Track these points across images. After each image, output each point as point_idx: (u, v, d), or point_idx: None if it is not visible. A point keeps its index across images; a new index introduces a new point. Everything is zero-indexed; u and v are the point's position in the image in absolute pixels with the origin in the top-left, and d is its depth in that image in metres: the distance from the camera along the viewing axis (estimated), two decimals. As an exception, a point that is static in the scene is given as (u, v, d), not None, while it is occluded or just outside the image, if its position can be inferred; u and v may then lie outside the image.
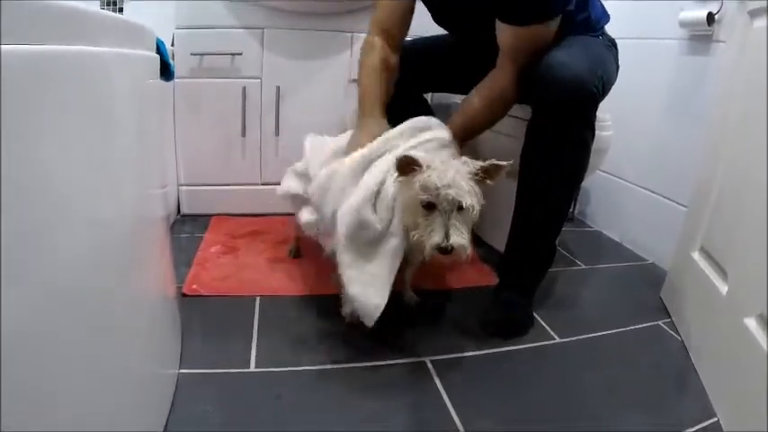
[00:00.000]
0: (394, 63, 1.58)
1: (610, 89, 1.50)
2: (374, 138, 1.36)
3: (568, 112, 1.30)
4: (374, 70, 1.52)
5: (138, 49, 0.96)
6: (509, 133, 1.64)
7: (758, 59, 1.24)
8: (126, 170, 0.86)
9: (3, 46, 0.48)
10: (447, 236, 1.09)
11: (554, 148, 1.34)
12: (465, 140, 1.45)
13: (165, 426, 1.00)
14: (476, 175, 1.16)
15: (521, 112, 1.58)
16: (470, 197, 1.11)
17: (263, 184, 2.20)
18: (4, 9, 0.48)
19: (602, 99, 1.38)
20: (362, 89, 1.52)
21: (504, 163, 1.17)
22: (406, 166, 1.16)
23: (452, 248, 1.09)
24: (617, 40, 1.60)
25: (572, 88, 1.28)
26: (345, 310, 1.35)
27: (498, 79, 1.44)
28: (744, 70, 1.35)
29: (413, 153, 1.17)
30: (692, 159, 1.74)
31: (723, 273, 1.30)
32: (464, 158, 1.20)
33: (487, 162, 1.17)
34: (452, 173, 1.12)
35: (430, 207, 1.12)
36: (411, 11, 1.59)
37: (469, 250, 1.12)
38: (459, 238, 1.10)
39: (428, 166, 1.14)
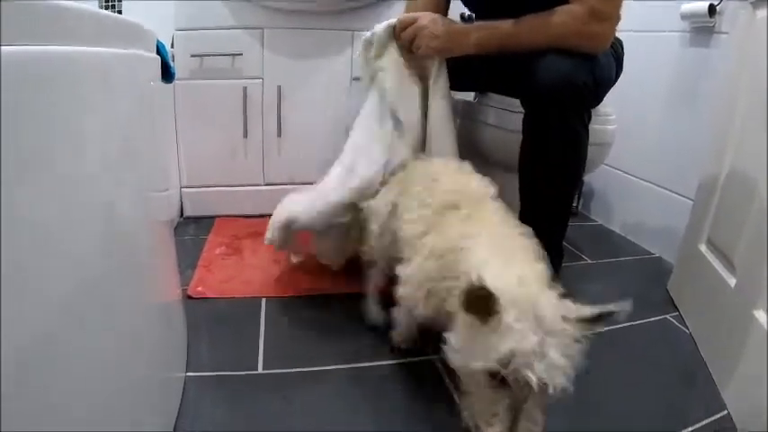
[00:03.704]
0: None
1: (608, 85, 1.49)
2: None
3: (556, 108, 1.29)
4: None
5: (138, 49, 0.96)
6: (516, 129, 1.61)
7: (762, 50, 1.23)
8: (127, 172, 0.85)
9: (3, 47, 0.47)
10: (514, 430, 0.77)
11: (546, 145, 1.34)
12: (477, 49, 1.39)
13: (174, 429, 1.00)
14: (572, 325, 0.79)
15: (517, 105, 1.57)
16: (563, 376, 0.75)
17: (266, 185, 2.19)
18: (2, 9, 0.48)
19: (598, 95, 1.37)
20: None
21: (616, 308, 0.80)
22: (478, 301, 0.78)
23: None
24: (618, 34, 1.59)
25: (559, 85, 1.27)
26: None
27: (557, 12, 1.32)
28: (748, 61, 1.34)
29: (489, 278, 0.77)
30: (697, 152, 1.74)
31: (731, 265, 1.29)
32: (558, 298, 0.84)
33: (595, 310, 0.81)
34: (541, 336, 0.75)
35: (497, 376, 0.76)
36: None
37: None
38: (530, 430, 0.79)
39: (504, 308, 0.76)
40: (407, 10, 1.59)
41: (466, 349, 0.82)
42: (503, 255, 0.89)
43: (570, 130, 1.32)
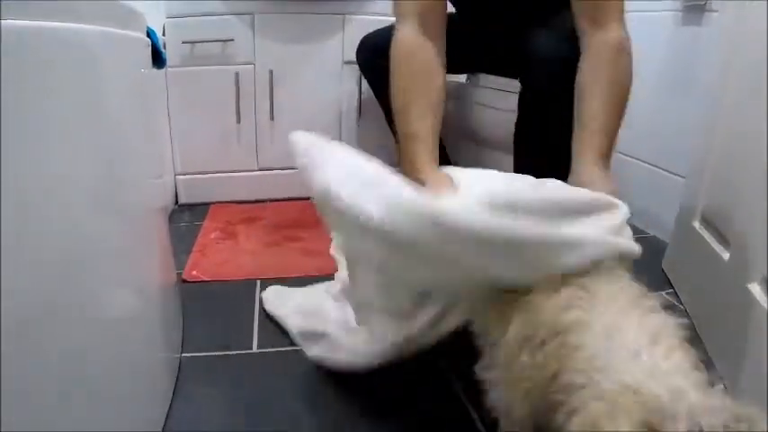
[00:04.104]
0: (444, 78, 1.21)
1: None
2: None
3: (555, 83, 1.29)
4: (426, 95, 1.16)
5: (129, 30, 0.96)
6: (509, 108, 1.61)
7: (754, 27, 1.23)
8: (119, 155, 0.85)
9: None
10: None
11: (544, 120, 1.33)
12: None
13: (169, 409, 1.00)
14: None
15: (511, 85, 1.57)
16: None
17: (259, 170, 2.19)
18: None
19: None
20: (412, 125, 1.15)
21: None
22: None
23: None
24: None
25: (558, 60, 1.27)
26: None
27: (611, 51, 1.13)
28: (740, 39, 1.34)
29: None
30: (689, 130, 1.73)
31: (725, 240, 1.29)
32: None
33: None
34: None
35: None
36: None
37: None
38: None
39: None
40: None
41: None
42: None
43: (569, 105, 1.32)
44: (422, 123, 1.14)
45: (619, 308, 0.71)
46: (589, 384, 0.62)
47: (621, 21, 1.14)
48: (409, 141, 1.14)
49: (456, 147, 1.92)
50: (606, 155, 1.11)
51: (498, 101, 1.65)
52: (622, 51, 1.12)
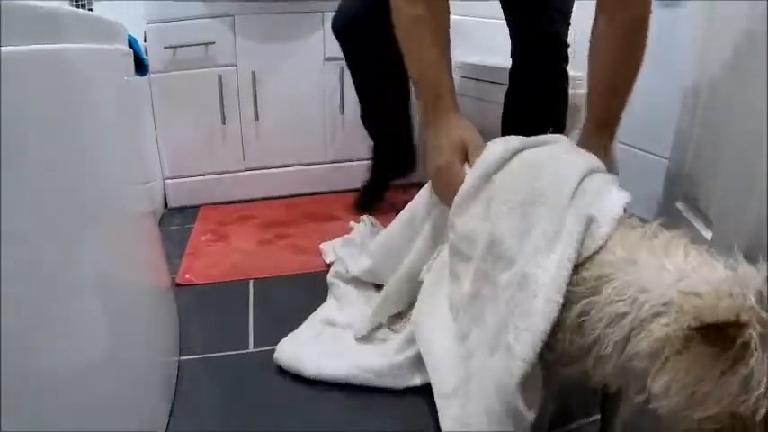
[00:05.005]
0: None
1: None
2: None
3: (546, 61, 1.33)
4: (436, 45, 1.15)
5: (110, 43, 0.97)
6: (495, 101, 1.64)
7: (731, 6, 1.25)
8: (104, 164, 0.87)
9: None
10: None
11: (537, 92, 1.37)
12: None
13: (171, 410, 1.03)
14: None
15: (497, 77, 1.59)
16: None
17: (246, 170, 2.21)
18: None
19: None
20: (428, 73, 1.16)
21: None
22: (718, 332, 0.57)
23: None
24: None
25: (551, 38, 1.31)
26: None
27: (627, 21, 1.15)
28: (717, 19, 1.36)
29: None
30: (670, 111, 1.76)
31: (707, 220, 1.32)
32: None
33: None
34: None
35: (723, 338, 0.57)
36: None
37: None
38: None
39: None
40: None
41: (689, 394, 0.60)
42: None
43: (557, 76, 1.35)
44: (441, 72, 1.15)
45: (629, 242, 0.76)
46: (633, 309, 0.66)
47: None
48: (433, 92, 1.15)
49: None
50: (611, 125, 1.19)
51: (486, 93, 1.68)
52: (645, 28, 1.16)
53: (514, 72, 1.47)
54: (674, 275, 0.66)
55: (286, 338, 1.20)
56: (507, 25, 1.50)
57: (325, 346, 1.19)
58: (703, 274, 0.65)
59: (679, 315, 0.60)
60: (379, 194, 2.05)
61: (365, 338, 1.21)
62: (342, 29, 1.75)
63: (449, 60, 1.16)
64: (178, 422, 1.00)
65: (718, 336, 0.56)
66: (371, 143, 2.02)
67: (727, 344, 0.56)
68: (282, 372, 1.14)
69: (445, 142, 1.11)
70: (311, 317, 1.30)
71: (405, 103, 1.93)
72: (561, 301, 0.75)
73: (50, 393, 0.59)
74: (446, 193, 1.07)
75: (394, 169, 2.04)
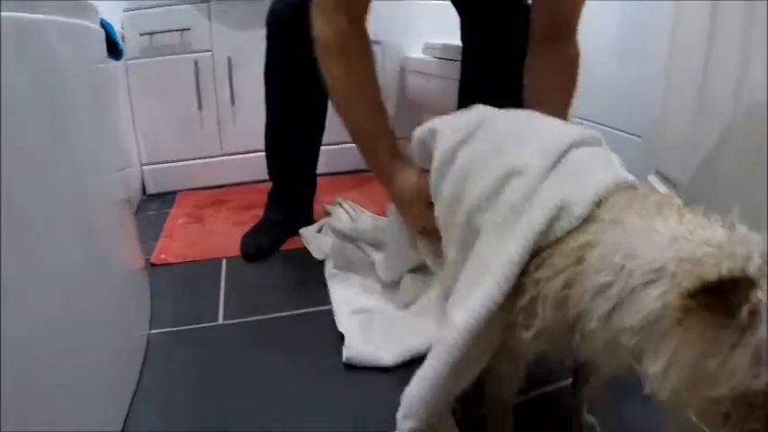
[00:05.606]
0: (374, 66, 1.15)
1: None
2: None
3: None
4: (369, 90, 1.12)
5: (81, 19, 0.98)
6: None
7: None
8: (74, 145, 0.88)
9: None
10: None
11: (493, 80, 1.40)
12: None
13: (139, 380, 1.05)
14: None
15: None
16: None
17: (223, 155, 2.23)
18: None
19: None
20: (366, 126, 1.13)
21: None
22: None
23: None
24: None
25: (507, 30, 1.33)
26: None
27: (567, 62, 1.26)
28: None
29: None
30: (643, 90, 1.78)
31: (679, 196, 1.36)
32: None
33: None
34: None
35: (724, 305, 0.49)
36: None
37: None
38: None
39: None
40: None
41: (693, 372, 0.51)
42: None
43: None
44: (375, 120, 1.13)
45: (617, 205, 0.68)
46: (620, 277, 0.58)
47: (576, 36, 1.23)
48: (369, 140, 1.14)
49: (398, 117, 2.02)
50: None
51: (449, 70, 1.71)
52: (577, 66, 1.25)
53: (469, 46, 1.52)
54: (667, 238, 0.58)
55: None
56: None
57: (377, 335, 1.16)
58: (700, 236, 0.57)
59: (673, 283, 0.53)
60: (276, 240, 1.65)
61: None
62: (276, 21, 1.62)
63: (385, 112, 1.14)
64: (146, 389, 1.03)
65: (720, 302, 0.49)
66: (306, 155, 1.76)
67: (731, 311, 0.48)
68: (252, 344, 1.17)
69: (403, 182, 1.10)
70: (339, 312, 1.25)
71: (320, 128, 1.69)
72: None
73: (21, 361, 0.61)
74: (420, 216, 1.08)
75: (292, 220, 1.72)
